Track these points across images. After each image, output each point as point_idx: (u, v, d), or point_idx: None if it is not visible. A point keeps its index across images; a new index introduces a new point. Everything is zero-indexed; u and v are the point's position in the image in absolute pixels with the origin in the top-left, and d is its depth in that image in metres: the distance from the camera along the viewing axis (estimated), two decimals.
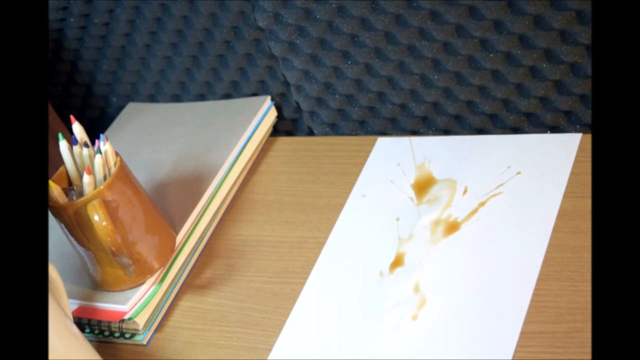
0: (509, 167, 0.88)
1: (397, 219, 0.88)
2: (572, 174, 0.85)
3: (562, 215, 0.82)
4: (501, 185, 0.86)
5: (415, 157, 0.94)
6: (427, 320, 0.78)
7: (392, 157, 0.95)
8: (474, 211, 0.85)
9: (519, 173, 0.87)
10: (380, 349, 0.78)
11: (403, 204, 0.90)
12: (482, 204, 0.86)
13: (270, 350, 0.82)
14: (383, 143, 0.98)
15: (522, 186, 0.86)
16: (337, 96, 1.01)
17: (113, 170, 0.85)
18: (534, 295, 0.76)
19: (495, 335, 0.74)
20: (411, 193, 0.90)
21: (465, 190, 0.88)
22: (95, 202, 0.81)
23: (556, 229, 0.81)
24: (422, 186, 0.91)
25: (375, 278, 0.83)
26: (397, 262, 0.84)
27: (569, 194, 0.84)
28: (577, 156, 0.87)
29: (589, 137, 0.89)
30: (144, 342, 0.87)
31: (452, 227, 0.85)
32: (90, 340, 0.84)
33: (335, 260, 0.87)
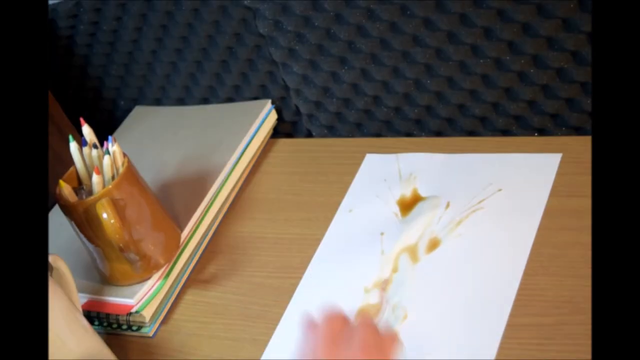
0: (490, 183, 0.87)
1: (382, 234, 0.87)
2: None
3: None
4: (482, 200, 0.86)
5: (402, 173, 0.93)
6: (407, 331, 0.77)
7: (380, 173, 0.94)
8: (457, 225, 0.84)
9: (500, 190, 0.86)
10: None
11: (388, 219, 0.89)
12: (463, 218, 0.85)
13: (270, 342, 0.82)
14: (371, 159, 0.97)
15: (503, 203, 0.84)
16: (334, 100, 1.01)
17: (121, 170, 0.85)
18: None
19: (475, 343, 0.74)
20: (396, 209, 0.90)
21: (448, 205, 0.87)
22: (104, 201, 0.82)
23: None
24: (407, 202, 0.90)
25: (359, 294, 0.82)
26: (380, 278, 0.83)
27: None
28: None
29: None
30: (150, 334, 0.88)
31: (434, 243, 0.84)
32: (99, 333, 0.84)
33: (321, 274, 0.86)
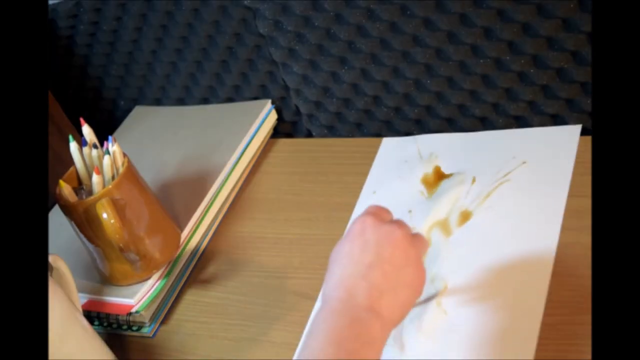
0: (514, 157, 0.88)
1: (410, 212, 0.87)
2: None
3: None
4: (508, 173, 0.86)
5: (422, 154, 0.93)
6: (449, 302, 0.77)
7: (399, 155, 0.95)
8: (486, 197, 0.85)
9: (524, 162, 0.86)
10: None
11: (414, 197, 0.89)
12: (492, 191, 0.85)
13: (270, 342, 0.82)
14: (388, 143, 0.97)
15: (529, 175, 0.85)
16: (334, 100, 1.01)
17: (121, 170, 0.86)
18: None
19: (518, 308, 0.74)
20: (421, 187, 0.90)
21: (474, 180, 0.87)
22: (104, 201, 0.82)
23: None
24: (431, 180, 0.90)
25: None
26: None
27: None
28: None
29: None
30: (150, 334, 0.88)
31: (465, 216, 0.84)
32: (99, 332, 0.84)
33: None
